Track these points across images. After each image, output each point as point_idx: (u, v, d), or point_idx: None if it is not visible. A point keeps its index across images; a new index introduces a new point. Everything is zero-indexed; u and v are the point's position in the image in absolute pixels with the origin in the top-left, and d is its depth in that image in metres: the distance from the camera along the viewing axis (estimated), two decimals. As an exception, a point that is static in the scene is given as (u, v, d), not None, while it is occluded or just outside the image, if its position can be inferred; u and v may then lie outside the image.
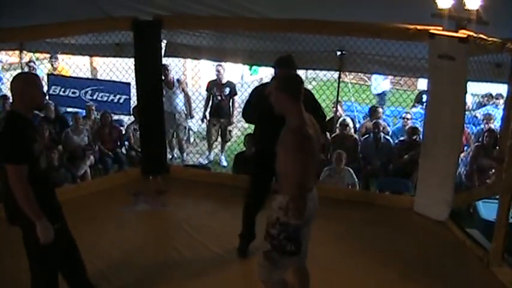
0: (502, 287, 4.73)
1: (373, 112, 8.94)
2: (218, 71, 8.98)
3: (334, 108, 8.66)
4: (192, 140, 10.22)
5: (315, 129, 3.46)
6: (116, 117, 9.10)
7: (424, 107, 7.65)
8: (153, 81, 6.98)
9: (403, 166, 7.56)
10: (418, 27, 5.66)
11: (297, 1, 5.96)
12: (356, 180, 7.11)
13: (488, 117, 8.48)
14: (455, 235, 5.71)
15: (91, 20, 6.51)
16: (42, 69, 10.49)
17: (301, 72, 14.04)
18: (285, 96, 3.40)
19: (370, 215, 6.21)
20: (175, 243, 5.45)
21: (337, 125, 8.18)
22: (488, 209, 6.20)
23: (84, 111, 8.95)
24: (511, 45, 4.69)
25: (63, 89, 9.37)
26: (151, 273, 4.85)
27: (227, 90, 9.00)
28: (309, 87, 12.99)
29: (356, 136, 8.25)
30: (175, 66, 9.64)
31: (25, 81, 3.57)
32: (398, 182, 7.41)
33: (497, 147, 6.87)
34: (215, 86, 9.03)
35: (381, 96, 11.83)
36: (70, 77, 9.94)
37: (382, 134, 7.99)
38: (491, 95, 9.92)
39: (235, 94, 9.08)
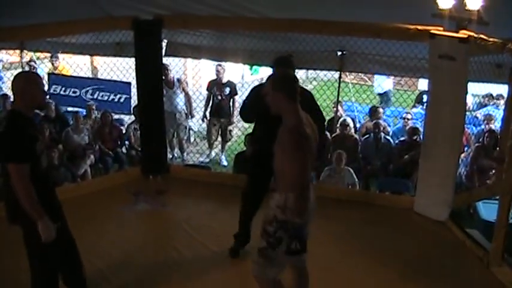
0: (501, 287, 4.72)
1: (373, 112, 8.94)
2: (218, 70, 8.98)
3: (335, 108, 8.67)
4: (192, 139, 10.22)
5: (312, 129, 3.46)
6: (116, 116, 9.10)
7: (424, 107, 7.65)
8: (154, 80, 6.98)
9: (404, 166, 7.56)
10: (419, 27, 5.66)
11: (297, 1, 5.96)
12: (356, 180, 7.11)
13: (488, 118, 8.48)
14: (455, 235, 5.71)
15: (91, 20, 6.51)
16: (43, 69, 10.50)
17: (301, 72, 14.15)
18: (281, 95, 3.40)
19: (370, 215, 6.20)
20: (175, 243, 5.44)
21: (338, 125, 8.18)
22: (488, 210, 6.20)
23: (85, 110, 8.95)
24: (511, 46, 4.69)
25: (63, 88, 9.38)
26: (151, 273, 4.85)
27: (227, 90, 9.00)
28: (310, 87, 13.04)
29: (356, 136, 8.24)
30: (176, 66, 9.64)
31: (26, 80, 3.57)
32: (399, 182, 7.40)
33: (498, 148, 6.88)
34: (215, 86, 9.03)
35: (384, 95, 11.80)
36: (71, 76, 9.95)
37: (382, 134, 7.98)
38: (491, 95, 9.91)
39: (236, 94, 9.07)
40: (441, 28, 5.50)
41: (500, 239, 4.85)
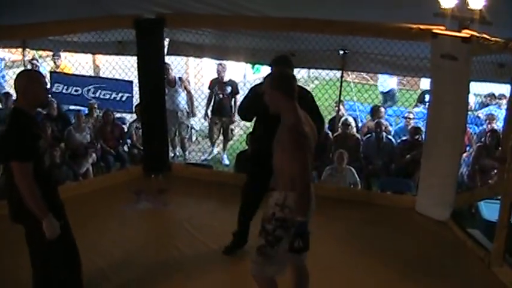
0: (503, 288, 4.73)
1: (375, 111, 8.93)
2: (219, 69, 8.98)
3: (337, 108, 8.67)
4: (194, 138, 10.22)
5: (310, 127, 3.47)
6: (118, 115, 9.11)
7: (426, 106, 7.64)
8: (156, 79, 6.98)
9: (405, 166, 7.56)
10: (421, 26, 5.65)
11: (297, 0, 5.96)
12: (358, 179, 7.11)
13: (490, 118, 8.47)
14: (456, 235, 5.70)
15: (93, 18, 6.51)
16: (45, 67, 10.50)
17: (303, 71, 14.14)
18: (279, 94, 3.40)
19: (371, 214, 6.19)
20: (177, 242, 5.44)
21: (339, 125, 8.18)
22: (490, 210, 6.20)
23: (87, 109, 8.95)
24: (513, 46, 4.69)
25: (65, 87, 9.39)
26: (152, 272, 4.85)
27: (229, 88, 9.00)
28: (312, 86, 13.03)
29: (358, 136, 8.23)
30: (178, 65, 9.64)
31: (29, 78, 3.57)
32: (400, 182, 7.40)
33: (500, 148, 6.87)
34: (217, 85, 9.03)
35: (388, 94, 11.76)
36: (73, 74, 9.96)
37: (384, 134, 7.98)
38: (493, 95, 9.89)
39: (237, 93, 9.06)
40: (443, 27, 5.49)
41: (502, 239, 4.84)
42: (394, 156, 7.80)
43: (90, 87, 9.33)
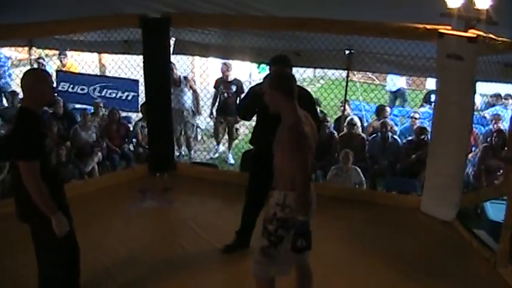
0: (508, 288, 4.72)
1: (380, 111, 8.92)
2: (223, 68, 8.99)
3: (342, 107, 8.66)
4: (199, 137, 10.23)
5: (310, 127, 3.47)
6: (123, 114, 9.13)
7: (432, 106, 7.63)
8: (162, 78, 7.00)
9: (411, 166, 7.54)
10: (427, 26, 5.64)
11: (304, 0, 5.96)
12: (363, 179, 7.10)
13: (496, 118, 8.44)
14: (461, 236, 5.68)
15: (99, 17, 6.53)
16: (51, 66, 10.54)
17: (309, 71, 14.14)
18: (278, 94, 3.41)
19: (375, 214, 6.19)
20: (181, 240, 5.45)
21: (345, 124, 8.17)
22: (495, 210, 6.19)
23: (92, 108, 8.98)
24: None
25: (71, 86, 9.42)
26: (157, 270, 4.87)
27: (234, 87, 9.00)
28: (317, 86, 13.04)
29: (364, 135, 8.22)
30: (184, 64, 9.65)
31: (35, 77, 3.59)
32: (406, 182, 7.39)
33: (506, 148, 6.85)
34: (222, 84, 9.04)
35: (396, 93, 11.72)
36: (79, 73, 10.00)
37: (389, 134, 7.97)
38: (499, 95, 9.87)
39: (242, 92, 9.02)
40: (449, 27, 5.48)
41: (507, 240, 4.83)
42: (400, 156, 7.78)
43: (96, 86, 9.35)
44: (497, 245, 5.09)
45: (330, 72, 9.63)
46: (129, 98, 9.27)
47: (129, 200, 6.38)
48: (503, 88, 9.79)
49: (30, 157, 3.38)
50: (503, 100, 9.69)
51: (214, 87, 9.23)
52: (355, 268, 5.00)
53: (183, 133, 9.11)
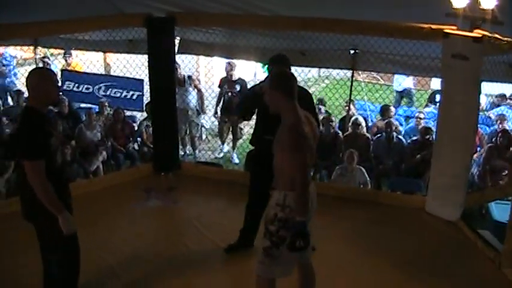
0: (513, 289, 4.71)
1: (384, 111, 8.92)
2: (227, 68, 9.00)
3: (347, 107, 8.65)
4: (204, 137, 10.24)
5: (310, 127, 3.47)
6: (128, 113, 9.14)
7: (437, 106, 7.61)
8: (167, 77, 7.00)
9: (415, 166, 7.53)
10: (432, 26, 5.62)
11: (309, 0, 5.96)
12: (368, 179, 7.10)
13: (501, 118, 8.42)
14: (466, 236, 5.67)
15: (104, 17, 6.55)
16: (57, 65, 10.57)
17: (314, 71, 14.13)
18: (278, 94, 3.40)
19: (379, 214, 6.18)
20: (186, 240, 5.46)
21: (350, 124, 8.16)
22: (500, 210, 6.17)
23: (97, 107, 9.00)
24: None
25: (76, 85, 9.43)
26: (161, 269, 4.87)
27: (238, 87, 9.00)
28: (322, 85, 13.03)
29: (368, 135, 8.21)
30: (189, 63, 9.66)
31: (40, 76, 3.59)
32: (411, 182, 7.38)
33: (511, 148, 6.83)
34: (226, 83, 9.05)
35: (402, 93, 11.69)
36: (84, 72, 10.03)
37: (394, 134, 7.95)
38: (504, 95, 9.84)
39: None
40: (455, 27, 5.47)
41: (512, 240, 4.83)
42: (404, 156, 7.77)
43: (101, 85, 9.37)
44: (501, 246, 5.08)
45: (334, 72, 9.62)
46: (134, 97, 9.29)
47: (134, 199, 6.39)
48: (508, 88, 9.77)
49: (35, 156, 3.38)
50: (508, 100, 9.68)
51: (219, 86, 9.25)
52: (359, 268, 4.99)
53: (187, 132, 9.12)
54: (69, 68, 9.98)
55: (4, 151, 6.96)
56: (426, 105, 10.55)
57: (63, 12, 6.04)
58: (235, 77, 9.07)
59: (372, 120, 9.60)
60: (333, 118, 8.42)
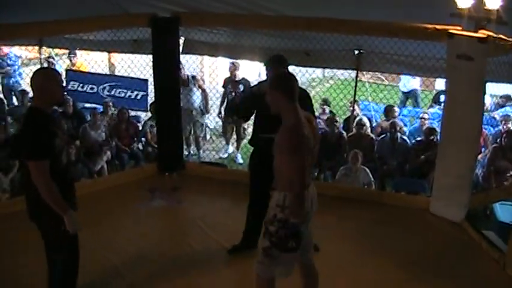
0: (517, 290, 4.70)
1: (388, 111, 8.90)
2: (231, 68, 9.00)
3: (351, 108, 8.64)
4: (208, 137, 10.24)
5: (311, 128, 3.47)
6: (133, 113, 9.15)
7: (441, 107, 7.59)
8: (171, 78, 7.01)
9: (420, 166, 7.51)
10: (437, 26, 5.62)
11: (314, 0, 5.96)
12: (372, 179, 7.09)
13: (506, 119, 8.39)
14: (470, 236, 5.66)
15: (108, 17, 6.56)
16: (61, 65, 10.58)
17: (318, 71, 14.12)
18: (279, 94, 3.40)
19: (383, 214, 6.18)
20: (190, 240, 5.47)
21: (354, 124, 8.16)
22: (505, 211, 6.16)
23: (102, 107, 9.01)
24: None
25: (81, 85, 9.44)
26: (166, 269, 4.88)
27: (241, 87, 9.01)
28: (327, 86, 13.02)
29: (373, 136, 8.20)
30: (193, 63, 9.67)
31: (45, 76, 3.59)
32: (415, 183, 7.36)
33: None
34: (230, 83, 9.06)
35: (408, 94, 11.64)
36: (88, 72, 10.03)
37: (398, 134, 7.94)
38: (509, 96, 9.81)
39: (250, 91, 9.06)
40: (459, 28, 5.46)
41: (517, 241, 4.81)
42: (409, 157, 7.76)
43: (105, 85, 9.38)
44: (506, 246, 5.07)
45: (339, 72, 9.61)
46: (139, 97, 9.30)
47: (138, 199, 6.40)
48: (513, 89, 9.74)
49: (40, 156, 3.38)
50: (513, 101, 9.64)
51: (223, 86, 9.26)
52: (363, 268, 4.99)
53: (192, 132, 9.13)
54: (73, 68, 9.99)
55: (9, 151, 6.97)
56: (431, 106, 10.52)
57: (66, 12, 6.05)
58: (239, 77, 9.07)
59: (376, 121, 9.58)
60: (338, 118, 8.42)
